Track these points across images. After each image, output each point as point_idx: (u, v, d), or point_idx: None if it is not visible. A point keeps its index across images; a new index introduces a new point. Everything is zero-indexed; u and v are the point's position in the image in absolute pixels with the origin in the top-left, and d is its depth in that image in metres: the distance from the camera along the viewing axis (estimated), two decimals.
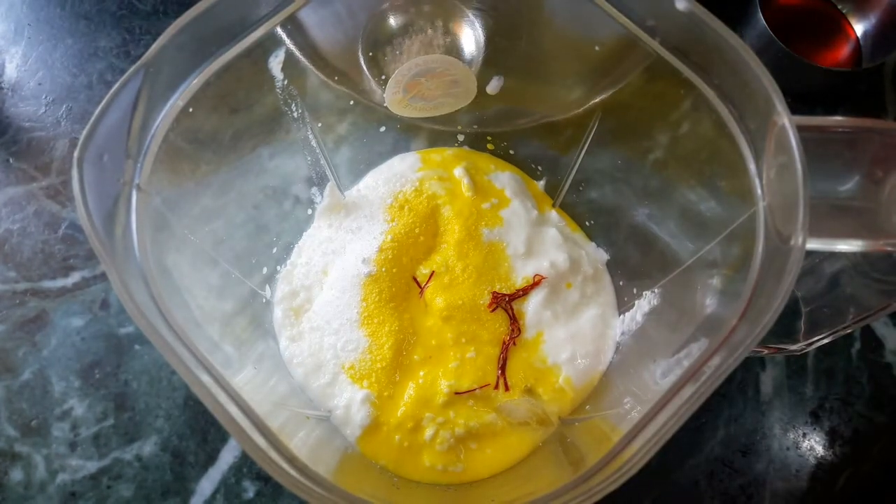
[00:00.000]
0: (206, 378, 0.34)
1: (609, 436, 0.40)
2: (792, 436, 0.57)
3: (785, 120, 0.34)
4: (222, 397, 0.34)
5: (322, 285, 0.55)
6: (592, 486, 0.33)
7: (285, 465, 0.34)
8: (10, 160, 0.63)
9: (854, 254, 0.47)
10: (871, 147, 0.36)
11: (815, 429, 0.57)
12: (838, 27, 0.65)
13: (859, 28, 0.65)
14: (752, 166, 0.37)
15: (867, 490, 0.56)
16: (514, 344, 0.52)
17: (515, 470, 0.49)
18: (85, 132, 0.35)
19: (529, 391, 0.51)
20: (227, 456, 0.55)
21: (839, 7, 0.65)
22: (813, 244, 0.33)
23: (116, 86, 0.36)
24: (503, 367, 0.52)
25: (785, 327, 0.33)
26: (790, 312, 0.32)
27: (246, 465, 0.55)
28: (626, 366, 0.51)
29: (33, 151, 0.63)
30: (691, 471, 0.55)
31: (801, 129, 0.34)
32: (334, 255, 0.55)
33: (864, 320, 0.47)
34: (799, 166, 0.33)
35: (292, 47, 0.46)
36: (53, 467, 0.54)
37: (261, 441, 0.34)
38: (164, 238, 0.41)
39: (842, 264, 0.48)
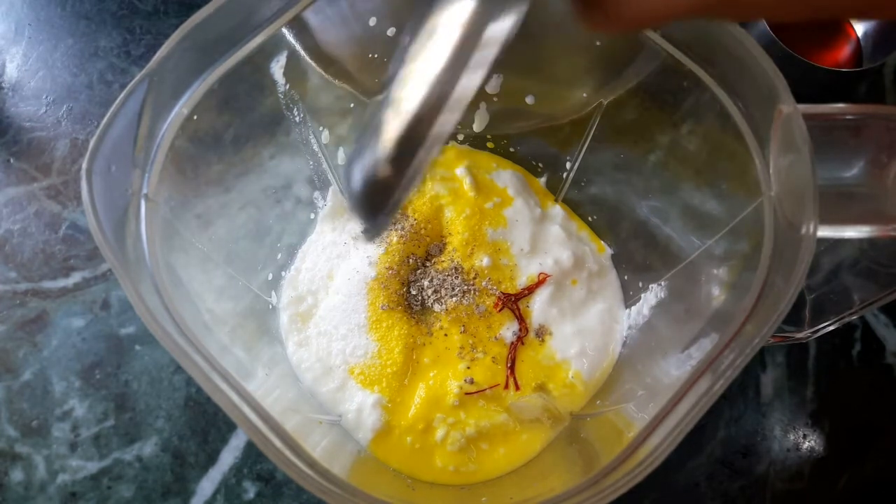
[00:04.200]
0: (221, 383, 0.34)
1: (623, 431, 0.40)
2: (792, 437, 0.57)
3: (791, 108, 0.34)
4: (239, 402, 0.34)
5: (328, 290, 0.55)
6: (610, 482, 0.33)
7: (305, 468, 0.34)
8: (11, 160, 0.63)
9: (860, 239, 0.47)
10: (875, 133, 0.36)
11: (815, 430, 0.57)
12: (839, 27, 0.65)
13: (860, 28, 0.65)
14: (758, 157, 0.37)
15: (868, 491, 0.56)
16: (522, 343, 0.53)
17: (529, 468, 0.50)
18: (92, 144, 0.35)
19: (540, 388, 0.52)
20: (228, 456, 0.55)
21: None
22: (822, 231, 0.33)
23: (122, 96, 0.36)
24: (512, 367, 0.52)
25: (790, 315, 0.33)
26: (795, 300, 0.33)
27: (246, 466, 0.55)
28: (635, 360, 0.51)
29: (34, 151, 0.63)
30: (691, 472, 0.56)
31: (806, 118, 0.34)
32: (339, 260, 0.55)
33: (871, 305, 0.47)
34: (807, 154, 0.33)
35: (297, 47, 0.46)
36: (54, 468, 0.54)
37: (279, 444, 0.34)
38: (172, 245, 0.41)
39: (847, 250, 0.48)
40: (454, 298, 0.53)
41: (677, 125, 0.45)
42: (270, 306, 0.53)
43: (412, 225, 0.55)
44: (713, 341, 0.37)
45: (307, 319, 0.54)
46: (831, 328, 0.50)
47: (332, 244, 0.56)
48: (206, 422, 0.56)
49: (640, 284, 0.53)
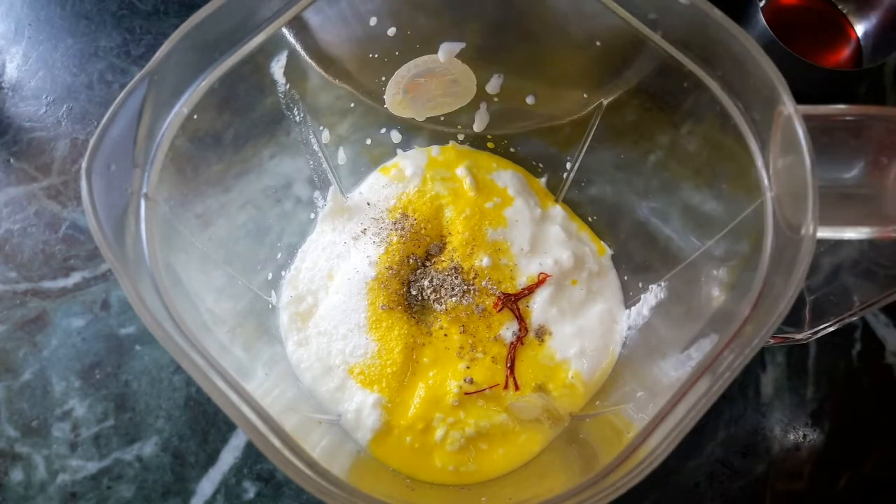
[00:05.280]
0: (220, 382, 0.34)
1: (622, 432, 0.40)
2: (792, 437, 0.57)
3: (791, 109, 0.34)
4: (238, 401, 0.34)
5: (328, 290, 0.54)
6: (609, 483, 0.33)
7: (304, 468, 0.34)
8: (11, 160, 0.63)
9: (860, 241, 0.47)
10: (875, 134, 0.36)
11: (815, 430, 0.57)
12: (839, 27, 0.65)
13: (860, 28, 0.65)
14: (758, 158, 0.37)
15: (868, 491, 0.56)
16: (522, 343, 0.53)
17: (529, 468, 0.50)
18: (92, 143, 0.35)
19: (540, 388, 0.52)
20: (228, 456, 0.55)
21: (840, 7, 0.65)
22: (822, 233, 0.33)
23: (122, 95, 0.36)
24: (511, 367, 0.52)
25: (790, 316, 0.33)
26: (795, 301, 0.33)
27: (246, 466, 0.55)
28: (635, 360, 0.51)
29: (34, 151, 0.63)
30: (691, 472, 0.56)
31: (806, 119, 0.34)
32: (339, 259, 0.55)
33: (871, 306, 0.47)
34: (807, 156, 0.33)
35: (297, 47, 0.46)
36: (54, 468, 0.54)
37: (278, 443, 0.34)
38: (172, 244, 0.41)
39: (847, 251, 0.48)
40: (454, 298, 0.53)
41: (677, 126, 0.45)
42: (270, 306, 0.53)
43: (412, 225, 0.55)
44: (713, 342, 0.37)
45: (307, 319, 0.54)
46: (831, 329, 0.50)
47: (332, 244, 0.56)
48: (206, 422, 0.56)
49: (640, 285, 0.53)
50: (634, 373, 0.50)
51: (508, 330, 0.53)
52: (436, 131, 0.59)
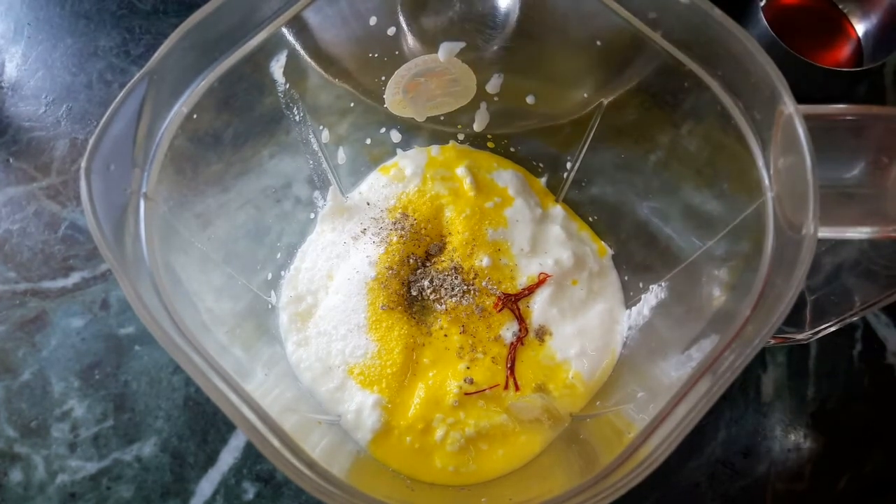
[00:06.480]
0: (219, 383, 0.34)
1: (623, 432, 0.40)
2: (793, 437, 0.57)
3: (791, 109, 0.34)
4: (237, 402, 0.34)
5: (327, 290, 0.54)
6: (610, 483, 0.33)
7: (304, 469, 0.34)
8: (10, 160, 0.63)
9: (861, 241, 0.47)
10: (876, 134, 0.37)
11: (815, 430, 0.57)
12: (839, 27, 0.65)
13: (860, 28, 0.64)
14: (759, 157, 0.37)
15: (868, 492, 0.56)
16: (522, 343, 0.52)
17: (529, 469, 0.49)
18: (91, 142, 0.35)
19: (540, 389, 0.51)
20: (227, 457, 0.55)
21: (840, 7, 0.65)
22: (822, 233, 0.33)
23: (121, 95, 0.36)
24: (512, 367, 0.52)
25: (790, 316, 0.33)
26: (795, 301, 0.33)
27: (246, 466, 0.55)
28: (635, 361, 0.51)
29: (33, 151, 0.63)
30: (692, 473, 0.55)
31: (807, 118, 0.34)
32: (339, 260, 0.55)
33: (872, 307, 0.47)
34: (808, 155, 0.33)
35: (297, 47, 0.46)
36: (53, 468, 0.54)
37: (278, 444, 0.34)
38: (171, 244, 0.41)
39: (847, 251, 0.48)
40: (454, 298, 0.53)
41: (678, 125, 0.45)
42: (270, 306, 0.53)
43: (412, 225, 0.55)
44: (713, 342, 0.37)
45: (307, 319, 0.54)
46: (832, 329, 0.50)
47: (331, 244, 0.56)
48: (205, 422, 0.56)
49: (641, 285, 0.53)
50: (635, 373, 0.50)
51: (508, 330, 0.53)
52: (436, 131, 0.59)
